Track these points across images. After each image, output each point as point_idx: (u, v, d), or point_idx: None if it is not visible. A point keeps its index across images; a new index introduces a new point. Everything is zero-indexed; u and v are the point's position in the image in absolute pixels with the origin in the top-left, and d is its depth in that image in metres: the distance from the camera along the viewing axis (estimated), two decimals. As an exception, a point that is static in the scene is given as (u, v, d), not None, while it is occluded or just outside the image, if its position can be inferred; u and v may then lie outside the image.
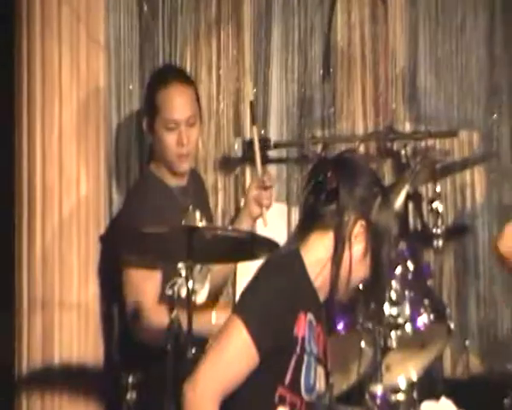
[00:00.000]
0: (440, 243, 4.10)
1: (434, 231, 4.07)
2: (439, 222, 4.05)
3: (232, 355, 2.55)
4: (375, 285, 2.95)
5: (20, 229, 3.84)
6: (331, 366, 3.00)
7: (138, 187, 3.95)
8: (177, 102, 3.85)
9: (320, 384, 2.85)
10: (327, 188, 2.77)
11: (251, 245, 3.33)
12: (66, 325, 3.76)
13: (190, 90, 3.86)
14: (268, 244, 3.08)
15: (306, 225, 2.78)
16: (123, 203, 3.96)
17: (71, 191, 3.80)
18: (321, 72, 4.19)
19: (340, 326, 3.82)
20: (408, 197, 4.06)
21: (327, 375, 2.90)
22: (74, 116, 3.82)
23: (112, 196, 4.07)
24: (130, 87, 4.11)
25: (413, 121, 4.34)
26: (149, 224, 3.44)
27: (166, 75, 3.94)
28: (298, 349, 2.63)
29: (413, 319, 3.90)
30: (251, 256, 3.32)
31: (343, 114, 4.34)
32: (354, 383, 3.90)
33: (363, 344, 3.77)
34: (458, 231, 4.43)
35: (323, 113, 4.25)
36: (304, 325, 2.66)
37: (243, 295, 2.70)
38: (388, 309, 3.85)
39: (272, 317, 2.53)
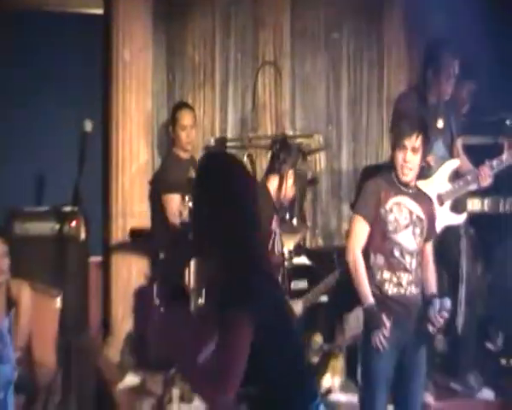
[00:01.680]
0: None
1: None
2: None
3: None
4: (298, 200, 5.15)
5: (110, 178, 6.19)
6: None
7: (167, 158, 6.33)
8: (187, 117, 6.20)
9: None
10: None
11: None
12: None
13: (192, 112, 6.27)
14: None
15: (268, 173, 4.97)
16: (160, 165, 6.35)
17: (137, 158, 6.20)
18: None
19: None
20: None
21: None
22: (141, 120, 6.19)
23: (155, 162, 6.50)
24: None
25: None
26: (171, 174, 5.87)
27: (181, 105, 6.37)
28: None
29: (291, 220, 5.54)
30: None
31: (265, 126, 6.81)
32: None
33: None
34: (313, 182, 6.48)
35: (252, 125, 6.68)
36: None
37: None
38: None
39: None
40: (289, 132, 6.64)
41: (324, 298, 5.54)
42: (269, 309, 2.77)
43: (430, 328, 4.38)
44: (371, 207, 4.47)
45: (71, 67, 6.25)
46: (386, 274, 4.44)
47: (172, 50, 6.73)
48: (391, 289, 4.44)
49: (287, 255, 5.63)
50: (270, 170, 5.05)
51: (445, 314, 4.38)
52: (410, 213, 4.49)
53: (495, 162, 5.43)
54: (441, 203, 5.44)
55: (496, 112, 5.90)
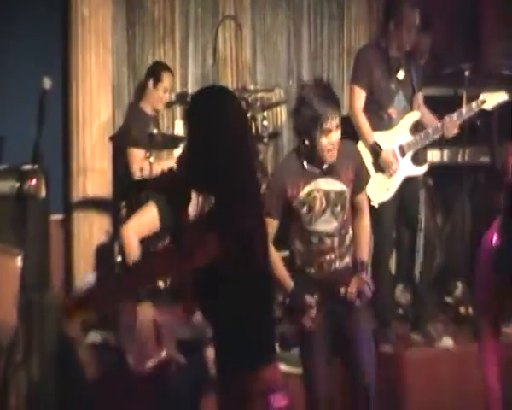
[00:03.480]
0: (266, 141, 6.17)
1: (264, 135, 6.11)
2: (265, 131, 6.14)
3: None
4: None
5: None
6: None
7: (132, 112, 6.12)
8: (170, 80, 6.08)
9: None
10: None
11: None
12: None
13: (172, 77, 6.15)
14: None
15: None
16: (125, 119, 6.12)
17: (97, 116, 6.17)
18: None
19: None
20: (252, 119, 6.01)
21: None
22: (101, 77, 6.15)
23: (116, 119, 6.37)
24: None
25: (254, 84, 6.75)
26: (137, 128, 5.68)
27: (166, 67, 6.13)
28: None
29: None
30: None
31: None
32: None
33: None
34: (274, 136, 6.56)
35: (213, 80, 6.45)
36: None
37: None
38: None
39: None
40: (250, 87, 6.58)
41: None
42: (244, 242, 2.85)
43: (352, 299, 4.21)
44: (276, 206, 4.12)
45: (29, 23, 6.14)
46: (306, 259, 4.21)
47: (132, 6, 6.63)
48: (312, 272, 4.22)
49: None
50: None
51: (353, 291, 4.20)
52: (326, 194, 4.16)
53: (456, 114, 5.44)
54: (403, 155, 5.46)
55: (454, 63, 5.83)
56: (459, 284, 5.97)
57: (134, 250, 4.29)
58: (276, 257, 4.18)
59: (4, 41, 6.10)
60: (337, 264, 4.23)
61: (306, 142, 4.07)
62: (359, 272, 4.24)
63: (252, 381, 2.94)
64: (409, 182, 5.47)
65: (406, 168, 5.43)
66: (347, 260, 4.27)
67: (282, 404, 2.98)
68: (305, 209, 4.15)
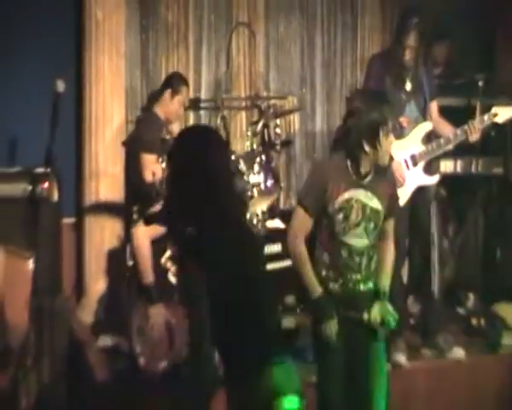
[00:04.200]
0: (278, 148, 6.00)
1: (277, 142, 5.97)
2: (278, 138, 6.00)
3: None
4: None
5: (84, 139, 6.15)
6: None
7: (146, 117, 5.94)
8: (187, 94, 5.93)
9: None
10: None
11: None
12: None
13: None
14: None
15: None
16: (139, 124, 5.93)
17: (110, 120, 6.09)
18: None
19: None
20: (265, 126, 5.97)
21: None
22: (114, 81, 6.08)
23: (128, 124, 6.28)
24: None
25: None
26: (151, 133, 5.60)
27: (185, 81, 5.98)
28: None
29: (265, 182, 5.66)
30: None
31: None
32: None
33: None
34: (287, 143, 6.41)
35: (226, 86, 6.58)
36: None
37: None
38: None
39: None
40: (263, 94, 6.62)
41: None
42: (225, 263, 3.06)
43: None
44: (314, 200, 4.03)
45: (43, 26, 6.11)
46: (331, 273, 4.05)
47: (146, 10, 6.61)
48: (335, 289, 4.06)
49: (260, 217, 5.64)
50: None
51: (377, 319, 4.07)
52: (363, 207, 4.05)
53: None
54: (414, 164, 5.44)
55: (468, 74, 5.83)
56: (471, 296, 5.94)
57: (146, 251, 4.28)
58: (304, 262, 4.04)
59: (18, 44, 6.04)
60: (361, 286, 4.10)
61: (366, 148, 3.98)
62: (383, 300, 4.11)
63: (261, 382, 2.96)
64: (421, 192, 5.44)
65: (418, 178, 5.41)
66: (371, 285, 4.14)
67: (294, 406, 2.98)
68: (340, 216, 4.03)
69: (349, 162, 4.03)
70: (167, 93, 5.92)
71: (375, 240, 4.12)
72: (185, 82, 6.04)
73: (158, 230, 4.42)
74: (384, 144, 4.00)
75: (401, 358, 5.29)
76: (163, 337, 4.25)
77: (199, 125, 3.87)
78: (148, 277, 4.28)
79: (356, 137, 4.00)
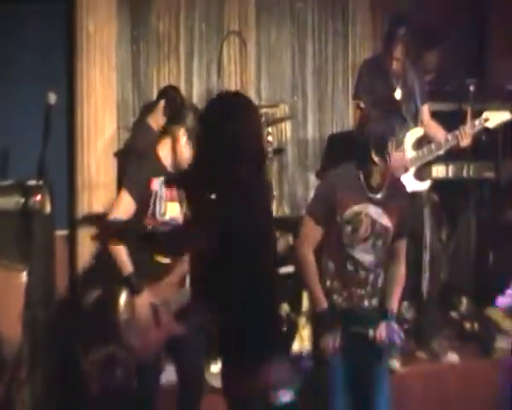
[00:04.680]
0: (270, 156, 5.95)
1: (269, 150, 5.85)
2: (270, 146, 5.98)
3: None
4: None
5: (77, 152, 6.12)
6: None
7: (139, 127, 6.04)
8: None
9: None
10: None
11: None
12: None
13: None
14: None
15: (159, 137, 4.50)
16: (132, 134, 6.09)
17: (102, 131, 6.10)
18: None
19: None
20: None
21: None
22: (106, 93, 6.10)
23: (120, 135, 6.32)
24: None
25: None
26: (144, 143, 5.40)
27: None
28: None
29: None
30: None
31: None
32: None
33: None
34: (278, 151, 6.57)
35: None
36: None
37: None
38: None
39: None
40: (255, 102, 6.55)
41: (291, 268, 5.46)
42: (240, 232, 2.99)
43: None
44: (323, 210, 4.03)
45: (34, 39, 6.13)
46: (336, 285, 4.07)
47: (137, 22, 6.62)
48: (339, 302, 4.09)
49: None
50: (161, 133, 4.64)
51: (384, 338, 4.06)
52: (373, 223, 4.05)
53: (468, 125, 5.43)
54: (406, 170, 5.43)
55: (459, 79, 5.85)
56: (464, 300, 5.94)
57: (124, 249, 4.24)
58: (311, 272, 4.04)
59: (10, 57, 6.07)
60: (366, 302, 4.10)
61: (376, 159, 3.95)
62: (389, 319, 4.09)
63: (256, 375, 2.97)
64: (413, 198, 5.42)
65: (409, 184, 5.35)
66: (375, 302, 4.13)
67: (287, 399, 3.09)
68: (349, 229, 4.02)
69: (361, 174, 4.00)
70: (160, 105, 5.95)
71: (383, 257, 4.09)
72: (179, 95, 6.04)
73: (127, 214, 4.29)
74: (394, 155, 4.00)
75: (395, 363, 5.28)
76: (151, 322, 4.22)
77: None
78: (127, 267, 4.21)
79: (366, 148, 3.98)
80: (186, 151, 4.32)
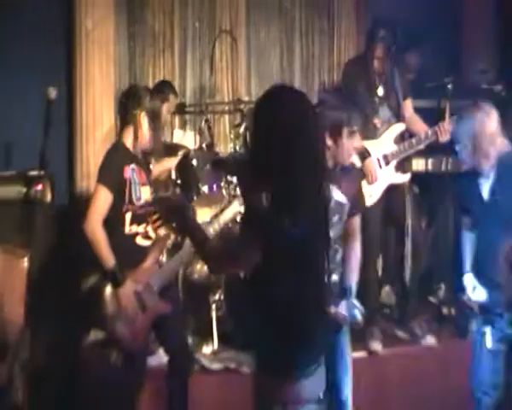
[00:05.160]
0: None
1: None
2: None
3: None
4: None
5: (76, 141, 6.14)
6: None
7: None
8: (174, 102, 6.16)
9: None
10: None
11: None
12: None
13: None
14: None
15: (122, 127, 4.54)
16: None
17: (100, 124, 6.08)
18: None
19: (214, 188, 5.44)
20: (246, 129, 5.80)
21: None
22: (104, 87, 6.07)
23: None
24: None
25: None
26: None
27: (173, 90, 6.19)
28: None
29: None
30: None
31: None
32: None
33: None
34: None
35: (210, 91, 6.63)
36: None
37: None
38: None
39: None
40: (245, 98, 6.55)
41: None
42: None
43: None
44: None
45: (35, 36, 6.04)
46: None
47: (133, 19, 6.62)
48: None
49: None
50: (123, 123, 4.57)
51: (345, 315, 4.04)
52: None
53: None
54: (387, 163, 5.48)
55: (438, 77, 5.82)
56: (442, 286, 5.95)
57: (101, 237, 4.22)
58: None
59: (12, 53, 5.98)
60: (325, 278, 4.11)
61: (329, 142, 3.93)
62: (349, 296, 4.09)
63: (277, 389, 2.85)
64: (395, 189, 5.48)
65: (390, 176, 5.45)
66: (335, 278, 4.11)
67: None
68: None
69: None
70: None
71: (340, 233, 4.08)
72: (173, 90, 6.05)
73: (105, 211, 4.29)
74: (346, 143, 3.97)
75: (377, 346, 5.31)
76: (137, 310, 4.23)
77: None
78: (110, 261, 4.19)
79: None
80: (148, 133, 4.37)
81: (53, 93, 4.94)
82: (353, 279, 4.15)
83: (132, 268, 4.27)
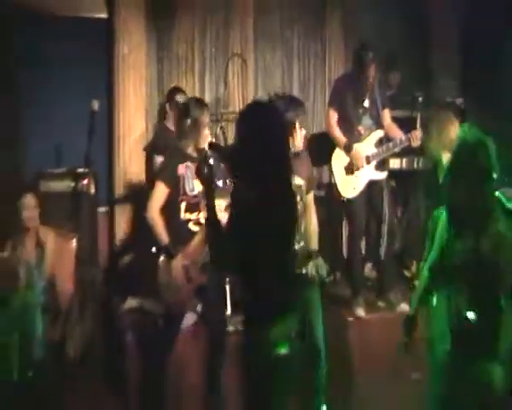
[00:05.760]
0: None
1: None
2: None
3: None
4: None
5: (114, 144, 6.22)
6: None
7: (159, 129, 5.94)
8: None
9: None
10: None
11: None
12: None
13: None
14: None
15: None
16: (154, 134, 6.02)
17: (134, 131, 6.20)
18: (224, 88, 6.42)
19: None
20: None
21: None
22: (137, 101, 6.19)
23: (148, 134, 6.26)
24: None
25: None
26: (162, 141, 5.44)
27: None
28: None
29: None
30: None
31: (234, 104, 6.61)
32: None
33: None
34: None
35: (224, 103, 6.54)
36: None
37: None
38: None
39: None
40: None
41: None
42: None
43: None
44: None
45: (82, 59, 6.11)
46: None
47: (161, 46, 6.57)
48: None
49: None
50: (184, 128, 4.51)
51: (314, 274, 4.10)
52: None
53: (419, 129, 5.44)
54: (368, 162, 5.49)
55: (411, 92, 5.85)
56: (414, 262, 5.94)
57: (158, 220, 4.26)
58: None
59: (63, 74, 6.07)
60: (296, 245, 4.09)
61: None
62: (315, 258, 4.14)
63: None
64: (375, 184, 5.49)
65: (370, 173, 5.45)
66: (302, 244, 4.16)
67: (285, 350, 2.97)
68: None
69: None
70: (167, 108, 5.89)
71: (301, 210, 4.13)
72: (183, 94, 5.92)
73: (162, 201, 4.32)
74: (298, 134, 4.10)
75: (361, 312, 5.33)
76: (184, 281, 4.24)
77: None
78: (165, 239, 4.25)
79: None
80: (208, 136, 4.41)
81: (96, 105, 5.00)
82: (315, 243, 4.22)
83: (183, 247, 4.30)
